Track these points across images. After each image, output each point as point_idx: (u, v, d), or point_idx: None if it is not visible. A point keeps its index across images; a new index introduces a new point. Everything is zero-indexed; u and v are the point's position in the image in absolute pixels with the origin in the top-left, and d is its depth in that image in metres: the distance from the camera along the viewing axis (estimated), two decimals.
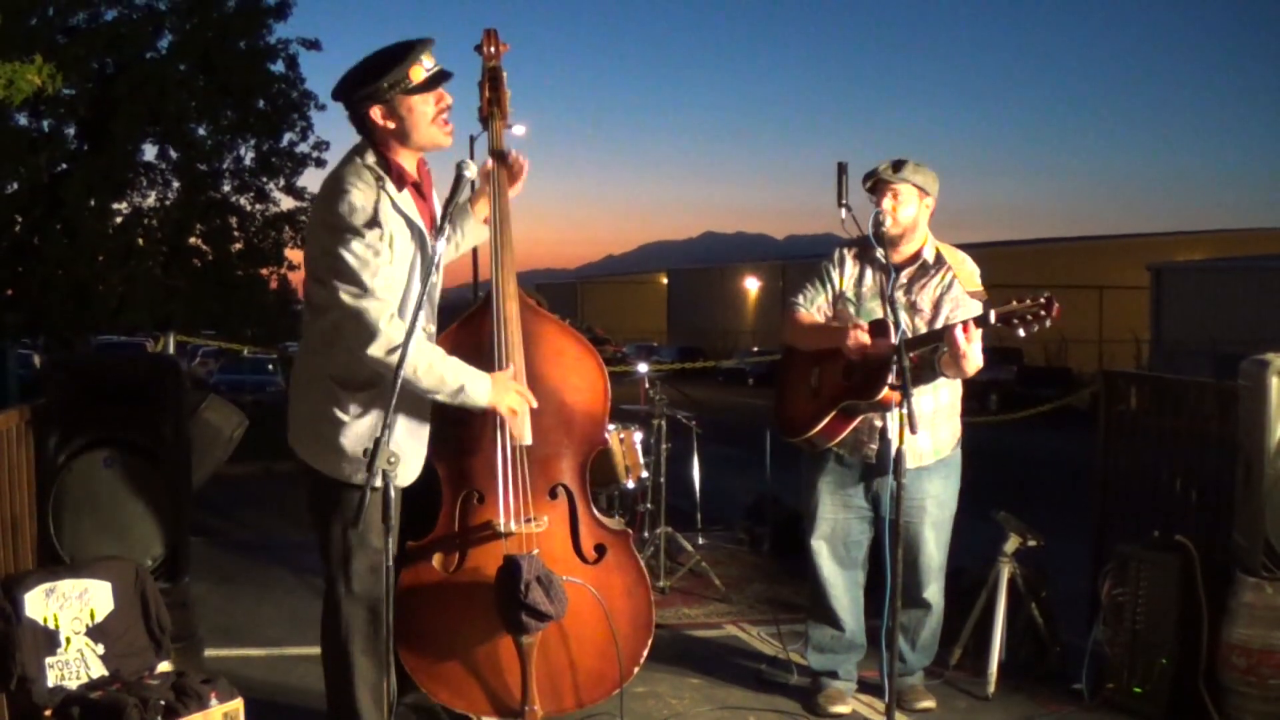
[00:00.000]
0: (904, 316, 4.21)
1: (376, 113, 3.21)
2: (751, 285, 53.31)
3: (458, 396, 3.29)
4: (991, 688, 4.57)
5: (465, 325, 3.62)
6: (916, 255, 4.28)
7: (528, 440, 3.52)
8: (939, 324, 4.17)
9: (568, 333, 3.72)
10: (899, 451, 3.58)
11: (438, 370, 3.23)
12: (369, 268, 3.12)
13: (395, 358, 3.03)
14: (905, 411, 3.53)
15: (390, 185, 3.23)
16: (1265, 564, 4.08)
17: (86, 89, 21.21)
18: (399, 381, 2.95)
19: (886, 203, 4.21)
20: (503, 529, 3.53)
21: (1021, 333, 3.87)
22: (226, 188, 24.88)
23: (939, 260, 4.27)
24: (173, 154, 23.67)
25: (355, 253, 3.12)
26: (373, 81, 3.18)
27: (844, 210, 4.04)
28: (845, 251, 4.40)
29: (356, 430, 3.27)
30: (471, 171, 3.30)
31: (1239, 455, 4.21)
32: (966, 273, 4.25)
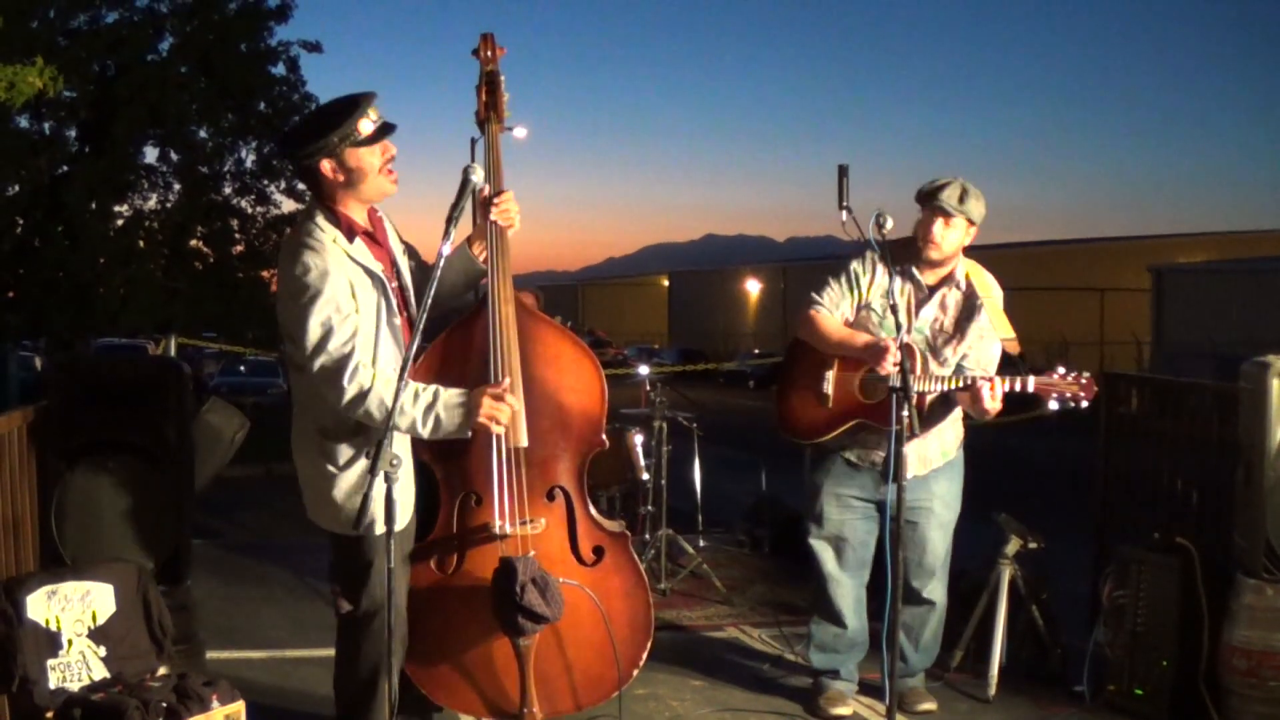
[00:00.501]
0: (927, 334, 4.24)
1: (326, 166, 3.28)
2: (753, 287, 53.27)
3: (437, 432, 3.32)
4: (992, 690, 4.57)
5: (461, 327, 3.62)
6: (950, 276, 4.28)
7: (524, 442, 3.53)
8: (962, 349, 4.20)
9: (565, 335, 3.71)
10: (899, 455, 3.64)
11: (409, 414, 3.27)
12: (330, 325, 3.20)
13: (369, 403, 3.17)
14: (906, 414, 3.62)
15: (341, 239, 3.30)
16: (1266, 565, 4.08)
17: (87, 91, 21.19)
18: (390, 421, 3.06)
19: (937, 227, 4.17)
20: (498, 531, 3.53)
21: (1054, 406, 3.93)
22: (227, 190, 24.84)
23: (970, 287, 4.25)
24: (174, 156, 23.64)
25: (315, 311, 3.20)
26: (322, 136, 3.26)
27: (844, 213, 4.01)
28: (877, 260, 4.25)
29: (346, 482, 3.35)
30: (478, 176, 3.36)
31: (1240, 457, 4.22)
32: (993, 301, 4.24)
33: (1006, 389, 3.99)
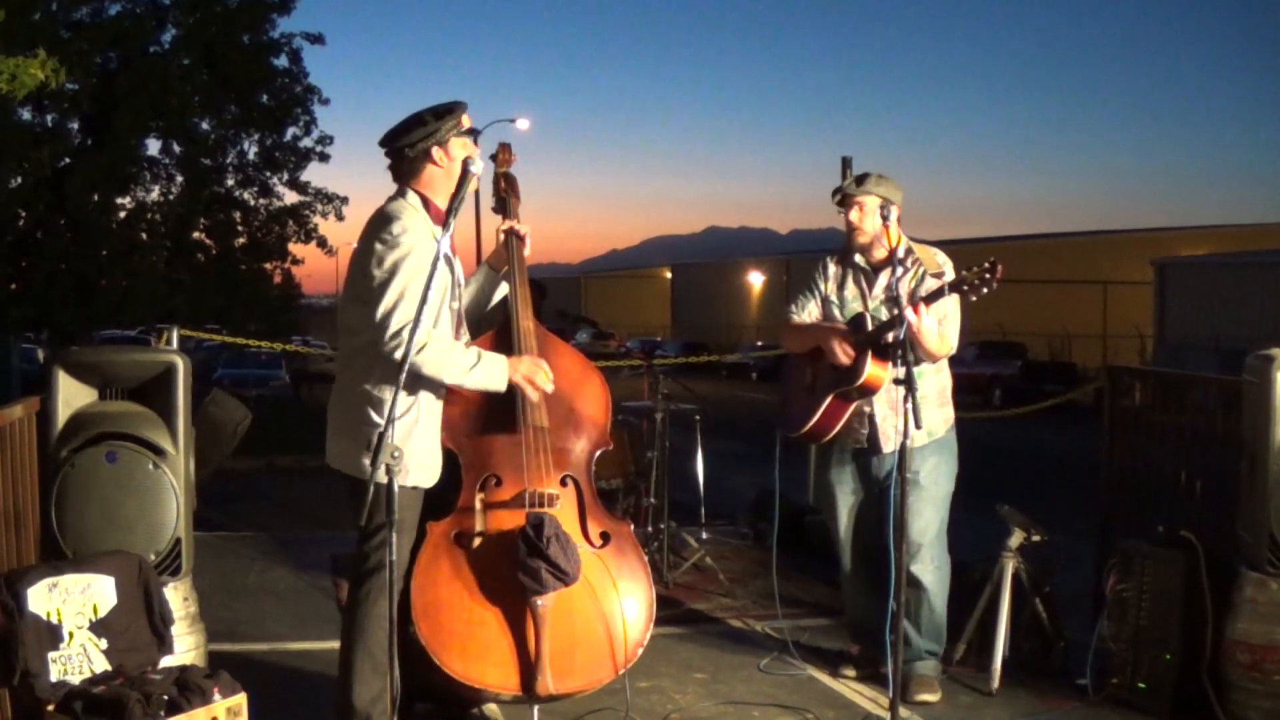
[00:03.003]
0: (883, 311, 4.50)
1: (436, 152, 3.65)
2: (755, 280, 53.27)
3: (479, 376, 3.65)
4: (995, 683, 4.57)
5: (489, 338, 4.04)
6: (890, 257, 4.50)
7: (545, 423, 3.89)
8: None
9: (574, 354, 4.17)
10: (903, 446, 3.80)
11: (458, 359, 3.61)
12: (406, 287, 3.48)
13: (420, 356, 3.46)
14: (909, 407, 3.72)
15: (429, 219, 3.68)
16: (1269, 559, 4.08)
17: (90, 83, 21.21)
18: (405, 372, 3.27)
19: (853, 214, 4.55)
20: (527, 487, 3.81)
21: (973, 298, 4.20)
22: (230, 182, 24.91)
23: (909, 254, 4.53)
24: (176, 148, 23.69)
25: (402, 269, 3.51)
26: (436, 122, 3.64)
27: None
28: (829, 260, 4.77)
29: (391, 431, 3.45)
30: (477, 167, 3.64)
31: (1243, 450, 4.21)
32: (928, 254, 4.53)
33: (927, 303, 4.25)
